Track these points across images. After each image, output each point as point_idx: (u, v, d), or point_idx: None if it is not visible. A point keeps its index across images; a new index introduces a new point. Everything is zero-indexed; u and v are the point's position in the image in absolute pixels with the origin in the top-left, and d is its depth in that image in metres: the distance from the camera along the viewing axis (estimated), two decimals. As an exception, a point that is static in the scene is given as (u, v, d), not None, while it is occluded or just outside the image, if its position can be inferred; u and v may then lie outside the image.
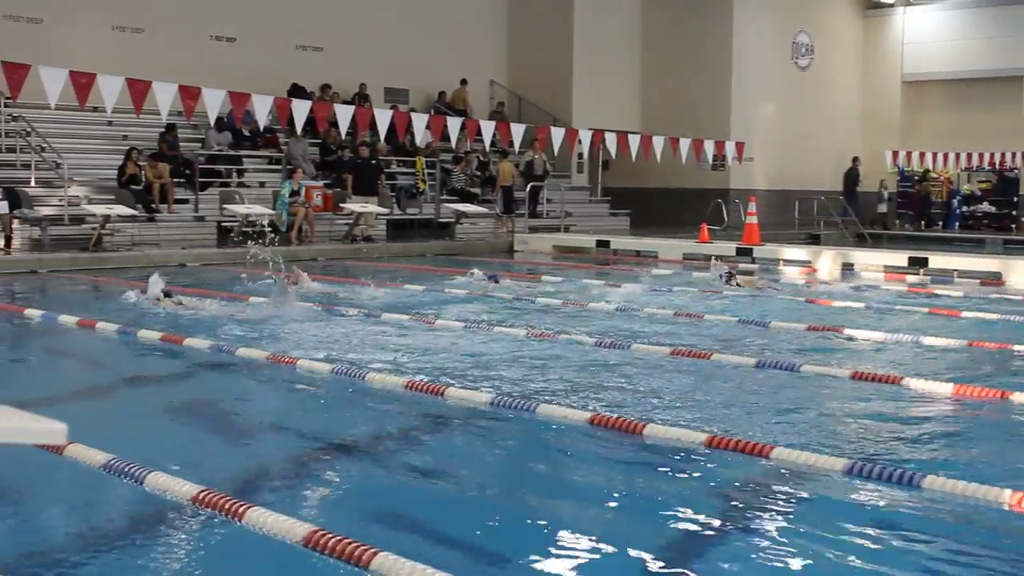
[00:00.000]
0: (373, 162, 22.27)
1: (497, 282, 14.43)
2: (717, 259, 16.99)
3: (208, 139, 21.83)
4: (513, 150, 23.35)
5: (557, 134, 21.84)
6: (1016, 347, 9.28)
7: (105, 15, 22.45)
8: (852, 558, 4.30)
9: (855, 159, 30.66)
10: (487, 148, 24.48)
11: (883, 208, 31.18)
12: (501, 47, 29.95)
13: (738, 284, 14.44)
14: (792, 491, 5.18)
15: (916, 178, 31.71)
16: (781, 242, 21.42)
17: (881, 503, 4.99)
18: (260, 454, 5.97)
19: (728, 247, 20.23)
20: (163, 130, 20.76)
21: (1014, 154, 29.91)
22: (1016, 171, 30.33)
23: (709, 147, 23.91)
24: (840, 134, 32.35)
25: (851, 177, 30.15)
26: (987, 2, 31.39)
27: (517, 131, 20.95)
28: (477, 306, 12.28)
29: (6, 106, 19.64)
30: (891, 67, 33.03)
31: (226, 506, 4.46)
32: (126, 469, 5.00)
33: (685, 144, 22.88)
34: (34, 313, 10.96)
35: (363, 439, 6.25)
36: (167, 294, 11.65)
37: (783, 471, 5.41)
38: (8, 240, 16.96)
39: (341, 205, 21.25)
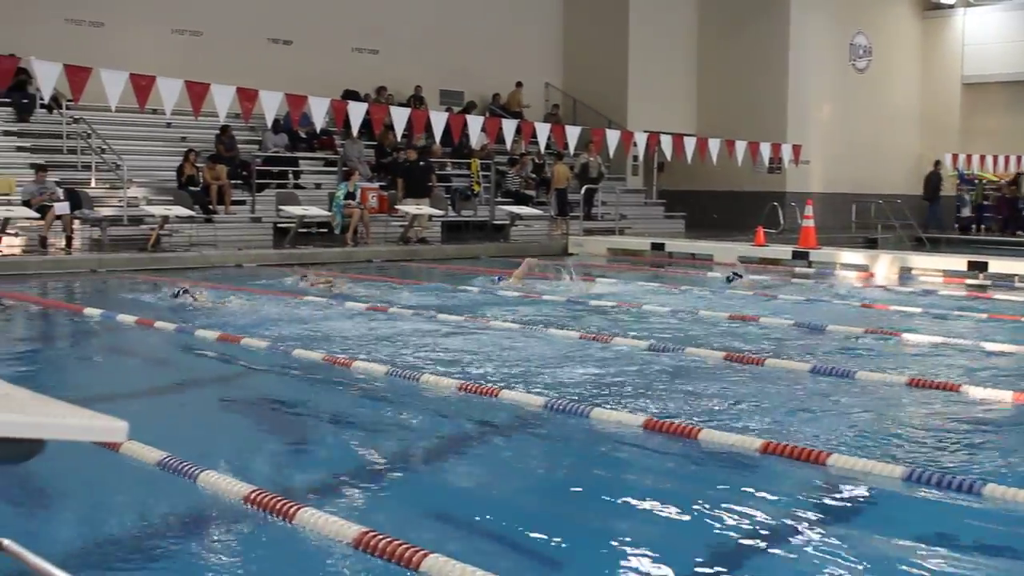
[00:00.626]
0: (421, 164, 22.31)
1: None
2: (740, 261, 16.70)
3: (265, 141, 22.02)
4: (568, 152, 23.33)
5: (612, 136, 21.79)
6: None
7: (165, 18, 22.73)
8: (909, 567, 4.24)
9: (936, 163, 30.26)
10: (542, 150, 24.47)
11: (967, 212, 30.53)
12: (556, 49, 29.94)
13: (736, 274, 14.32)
14: (849, 498, 5.13)
15: (1005, 182, 31.00)
16: (838, 246, 21.23)
17: (939, 511, 4.92)
18: (312, 455, 6.00)
19: (784, 250, 20.08)
20: (219, 132, 20.96)
21: (1077, 157, 29.42)
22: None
23: (765, 149, 23.74)
24: (898, 137, 31.98)
25: (933, 181, 29.73)
26: (1050, 3, 30.95)
27: (572, 133, 20.93)
28: (529, 308, 12.27)
29: (68, 108, 19.92)
30: (950, 69, 32.60)
31: (277, 506, 4.49)
32: (180, 467, 5.05)
33: (741, 146, 22.74)
34: (93, 312, 11.10)
35: (415, 440, 6.26)
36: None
37: (840, 478, 5.35)
38: (69, 240, 17.20)
39: (396, 207, 21.34)
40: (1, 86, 19.06)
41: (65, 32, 21.13)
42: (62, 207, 17.00)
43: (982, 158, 30.08)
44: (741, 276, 14.45)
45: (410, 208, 21.07)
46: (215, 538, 4.46)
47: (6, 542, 2.15)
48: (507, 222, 22.80)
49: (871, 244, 25.02)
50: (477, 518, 4.84)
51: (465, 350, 9.11)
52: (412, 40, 26.25)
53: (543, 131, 20.86)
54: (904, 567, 4.24)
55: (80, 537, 4.50)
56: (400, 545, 3.95)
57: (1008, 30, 31.61)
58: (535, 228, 23.86)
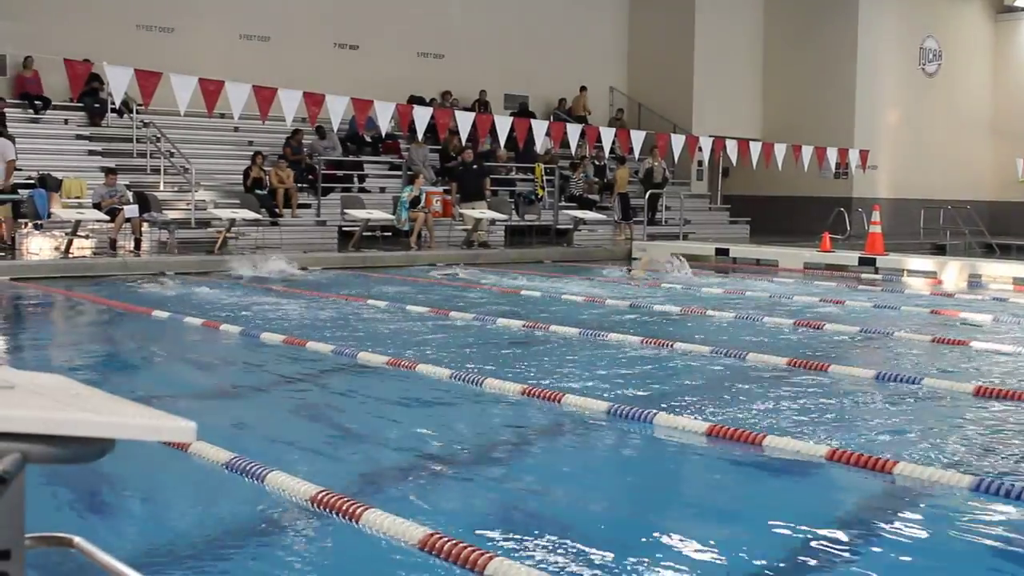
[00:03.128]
0: (475, 167, 22.36)
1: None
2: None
3: (314, 146, 22.09)
4: (632, 157, 23.27)
5: (677, 141, 21.71)
6: None
7: (233, 24, 23.01)
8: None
9: None
10: (606, 155, 24.42)
11: None
12: (621, 53, 29.89)
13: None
14: (916, 508, 5.07)
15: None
16: (905, 252, 20.97)
17: (1008, 522, 4.85)
18: (378, 457, 6.03)
19: (851, 256, 19.87)
20: (289, 135, 21.17)
21: None
22: None
23: (832, 154, 23.51)
24: (968, 142, 31.51)
25: None
26: None
27: (636, 138, 20.89)
28: (590, 312, 12.27)
29: (138, 113, 20.23)
30: (1023, 73, 32.06)
31: (344, 507, 4.52)
32: (248, 468, 5.11)
33: (808, 151, 22.55)
34: (161, 314, 11.25)
35: (480, 443, 6.28)
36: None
37: (907, 487, 5.29)
38: (138, 243, 17.46)
39: (462, 212, 21.40)
40: (74, 91, 19.45)
41: (136, 38, 21.47)
42: (131, 210, 17.26)
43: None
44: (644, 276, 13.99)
45: (471, 212, 21.12)
46: (281, 539, 4.51)
47: (77, 539, 2.18)
48: (570, 226, 22.78)
49: (939, 250, 24.68)
50: (541, 522, 4.84)
51: (527, 354, 9.10)
52: (477, 45, 26.35)
53: (607, 135, 20.82)
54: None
55: (148, 537, 4.57)
56: (465, 548, 3.97)
57: (1082, 33, 31.05)
58: (599, 233, 23.82)
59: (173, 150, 20.04)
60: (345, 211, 20.13)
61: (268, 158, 20.76)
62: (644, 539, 4.58)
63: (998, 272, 18.02)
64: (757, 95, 30.16)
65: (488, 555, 3.90)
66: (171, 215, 18.27)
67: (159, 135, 20.19)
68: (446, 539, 4.06)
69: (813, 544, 4.50)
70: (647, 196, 23.75)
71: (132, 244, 17.46)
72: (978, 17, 32.16)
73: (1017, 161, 29.80)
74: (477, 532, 4.51)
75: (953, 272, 18.02)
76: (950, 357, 9.49)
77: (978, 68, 32.13)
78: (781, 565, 4.25)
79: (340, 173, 22.09)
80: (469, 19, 26.30)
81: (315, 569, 4.23)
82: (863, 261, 19.52)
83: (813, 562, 4.29)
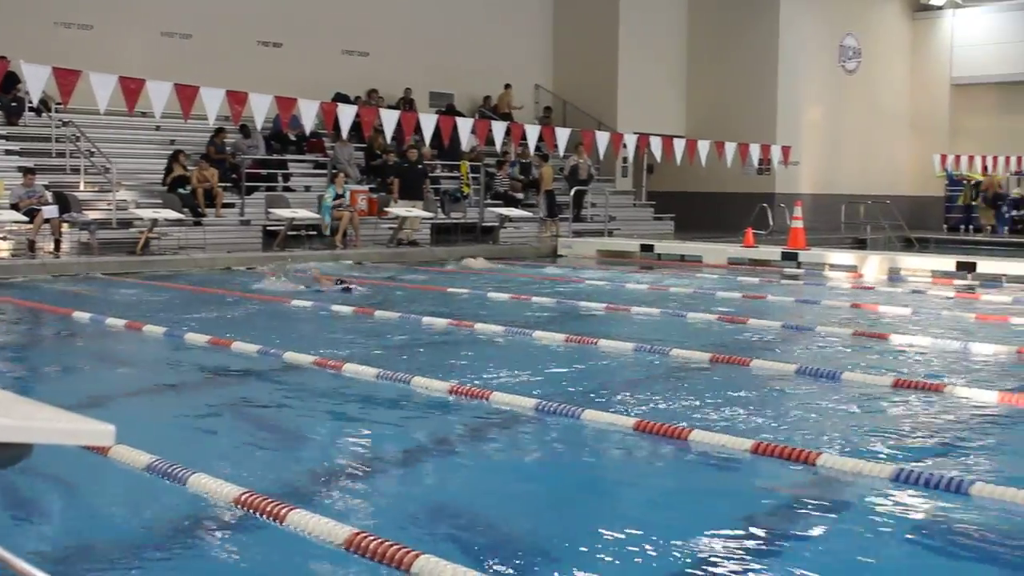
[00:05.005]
0: (419, 166, 22.35)
1: (349, 291, 13.52)
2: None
3: (237, 145, 21.87)
4: (557, 154, 23.34)
5: (602, 138, 21.81)
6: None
7: (154, 22, 22.69)
8: (898, 566, 4.27)
9: None
10: (531, 152, 24.47)
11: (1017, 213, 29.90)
12: (546, 51, 29.96)
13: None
14: (838, 498, 5.15)
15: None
16: (827, 246, 21.27)
17: (928, 510, 4.95)
18: (303, 457, 6.00)
19: (774, 251, 20.12)
20: (212, 134, 20.95)
21: (1065, 158, 29.51)
22: (1067, 175, 29.91)
23: (755, 151, 23.77)
24: (888, 138, 32.05)
25: None
26: (1038, 4, 31.03)
27: (562, 135, 20.95)
28: (520, 311, 12.30)
29: (57, 111, 19.89)
30: (940, 70, 32.67)
31: (268, 508, 4.49)
32: (169, 470, 5.05)
33: (731, 148, 22.76)
34: (82, 316, 11.08)
35: (406, 442, 6.27)
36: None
37: (830, 478, 5.37)
38: (57, 244, 17.17)
39: (386, 209, 21.34)
40: (-10, 89, 19.08)
41: (54, 35, 21.10)
42: (50, 210, 16.96)
43: (970, 158, 30.15)
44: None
45: (401, 210, 21.06)
46: (205, 542, 4.46)
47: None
48: (497, 224, 22.80)
49: (860, 245, 25.08)
50: (468, 519, 4.85)
51: (458, 352, 9.09)
52: (402, 42, 26.25)
53: (533, 133, 20.87)
54: (892, 565, 4.26)
55: (67, 542, 4.50)
56: (391, 546, 3.96)
57: (996, 31, 31.69)
58: (524, 230, 23.87)
59: (93, 149, 19.72)
60: (270, 210, 19.96)
61: (191, 157, 20.53)
62: (572, 535, 4.60)
63: (917, 265, 18.36)
64: (681, 93, 30.41)
65: (414, 553, 3.89)
66: (91, 215, 17.96)
67: (79, 134, 19.86)
68: (371, 538, 4.05)
69: (740, 536, 4.56)
70: (572, 193, 23.83)
71: (52, 245, 17.16)
72: (896, 15, 32.71)
73: (934, 157, 30.41)
74: (403, 530, 4.51)
75: (873, 266, 18.32)
76: (870, 350, 9.65)
77: (896, 65, 32.68)
78: (709, 558, 4.29)
79: (264, 172, 21.91)
80: (394, 17, 26.19)
81: (239, 572, 4.20)
82: (786, 256, 19.77)
83: (740, 554, 4.33)
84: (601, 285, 15.38)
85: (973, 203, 30.91)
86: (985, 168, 30.16)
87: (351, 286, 13.69)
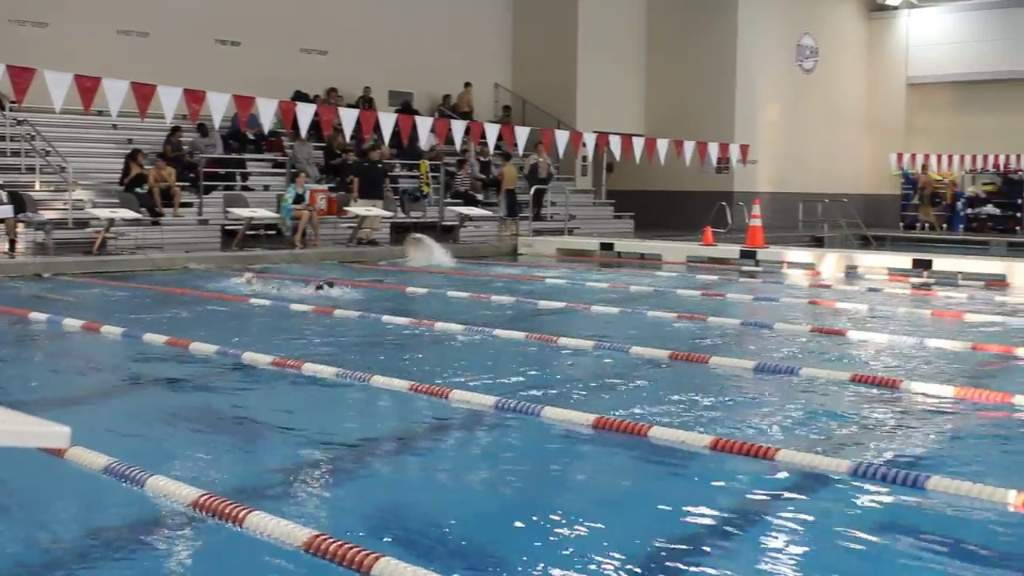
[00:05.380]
0: (379, 165, 22.29)
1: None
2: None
3: (195, 144, 21.72)
4: (517, 153, 23.36)
5: (561, 137, 21.83)
6: (1019, 350, 9.27)
7: (110, 19, 22.50)
8: (857, 559, 4.31)
9: None
10: (491, 151, 24.47)
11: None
12: (505, 50, 29.97)
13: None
14: (797, 493, 5.19)
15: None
16: (785, 244, 21.42)
17: (886, 504, 4.99)
18: (263, 458, 5.96)
19: (732, 250, 20.23)
20: (169, 133, 20.79)
21: (1019, 156, 29.86)
22: (1021, 173, 30.25)
23: (713, 150, 23.89)
24: (845, 137, 32.32)
25: None
26: (992, 4, 31.35)
27: (521, 134, 20.95)
28: (477, 310, 12.29)
29: (11, 110, 19.68)
30: (896, 69, 32.98)
31: (226, 510, 4.46)
32: (127, 473, 5.01)
33: (689, 147, 22.86)
34: (39, 316, 10.97)
35: (366, 442, 6.25)
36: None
37: (788, 473, 5.41)
38: (12, 244, 16.98)
39: (345, 208, 21.26)
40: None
41: (8, 32, 20.86)
42: (5, 210, 16.77)
43: (926, 157, 30.46)
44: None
45: (360, 209, 21.00)
46: (163, 545, 4.42)
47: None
48: (456, 223, 22.79)
49: (817, 243, 25.27)
50: (428, 519, 4.84)
51: (412, 349, 9.08)
52: (361, 41, 26.17)
53: (492, 132, 20.86)
54: (851, 559, 4.30)
55: (20, 545, 4.44)
56: (351, 548, 3.95)
57: (952, 31, 32.03)
58: (484, 229, 23.86)
59: (49, 148, 19.52)
60: (228, 210, 19.85)
61: (148, 156, 20.36)
62: (532, 532, 4.60)
63: (873, 263, 18.53)
64: (640, 92, 30.51)
65: (374, 555, 3.88)
66: (47, 215, 17.77)
67: (34, 133, 19.65)
68: (331, 540, 4.03)
69: (699, 532, 4.58)
70: (532, 192, 23.86)
71: (7, 246, 16.96)
72: (852, 15, 32.98)
73: (890, 155, 30.71)
74: (364, 532, 4.50)
75: (831, 264, 18.47)
76: (827, 346, 9.73)
77: (853, 65, 32.96)
78: (668, 553, 4.31)
79: (223, 171, 21.76)
80: (352, 16, 26.10)
81: (199, 575, 4.17)
82: (744, 254, 19.89)
83: (700, 549, 4.35)
84: (561, 283, 15.40)
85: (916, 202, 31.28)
86: (925, 167, 30.47)
87: (332, 283, 13.75)
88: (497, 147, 22.79)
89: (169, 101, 16.29)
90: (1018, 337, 10.22)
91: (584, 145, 22.74)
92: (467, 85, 27.99)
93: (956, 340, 9.76)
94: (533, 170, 24.88)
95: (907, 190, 31.97)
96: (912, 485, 5.08)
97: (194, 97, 16.75)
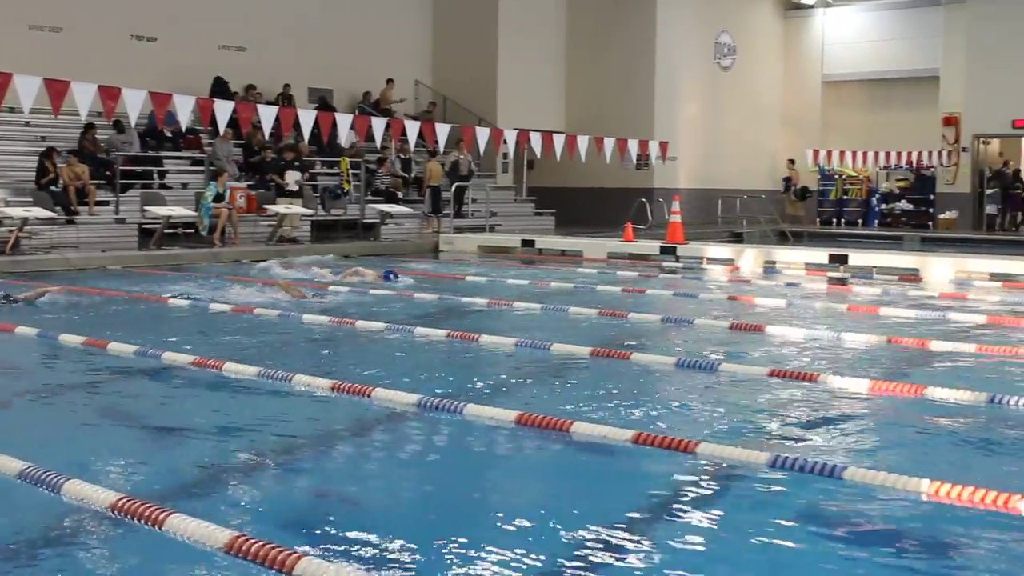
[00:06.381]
0: (296, 164, 22.17)
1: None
2: None
3: (110, 141, 21.38)
4: (438, 150, 23.31)
5: (482, 134, 21.82)
6: (932, 343, 9.46)
7: (22, 14, 22.02)
8: (775, 549, 4.37)
9: (1006, 162, 30.30)
10: (412, 148, 24.40)
11: (991, 209, 30.07)
12: (425, 47, 29.88)
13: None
14: (717, 485, 5.26)
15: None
16: (704, 240, 21.63)
17: (804, 494, 5.09)
18: (183, 460, 5.90)
19: (652, 246, 20.39)
20: (84, 130, 20.43)
21: (930, 153, 30.48)
22: (932, 169, 30.89)
23: (633, 147, 24.03)
24: (762, 133, 32.72)
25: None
26: (904, 4, 31.94)
27: (442, 131, 20.90)
28: (398, 307, 12.27)
29: (-81, 107, 19.22)
30: (811, 67, 33.47)
31: (146, 513, 4.41)
32: (42, 478, 4.92)
33: (609, 144, 22.98)
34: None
35: (288, 442, 6.21)
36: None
37: (709, 466, 5.48)
38: (-78, 244, 16.61)
39: (266, 206, 21.06)
40: None
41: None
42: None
43: (841, 153, 30.96)
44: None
45: (280, 207, 20.83)
46: (81, 550, 4.36)
47: None
48: (377, 221, 22.70)
49: (736, 238, 25.56)
50: (351, 518, 4.83)
51: (339, 350, 9.03)
52: (280, 37, 25.92)
53: (412, 129, 20.80)
54: (772, 548, 4.36)
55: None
56: (273, 548, 3.92)
57: (865, 30, 32.58)
58: (406, 226, 23.79)
59: (-42, 146, 19.12)
60: (145, 208, 19.55)
61: (62, 154, 19.99)
62: (456, 529, 4.61)
63: (791, 258, 18.80)
64: (560, 89, 30.61)
65: (296, 555, 3.86)
66: (-43, 215, 17.42)
67: (-58, 130, 19.24)
68: (253, 541, 4.01)
69: (621, 525, 4.62)
70: (453, 189, 23.84)
71: (-84, 246, 16.59)
72: (769, 13, 33.39)
73: (807, 152, 31.15)
74: (286, 532, 4.47)
75: (749, 259, 18.71)
76: (746, 342, 9.85)
77: (770, 63, 33.39)
78: (591, 546, 4.33)
79: (139, 169, 21.44)
80: (271, 11, 25.84)
81: (118, 578, 4.12)
82: (664, 250, 20.06)
83: (623, 543, 4.39)
84: (482, 281, 15.42)
85: (844, 197, 31.83)
86: (791, 161, 30.88)
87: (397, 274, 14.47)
88: (418, 144, 22.74)
89: (83, 98, 16.00)
90: (931, 330, 10.43)
91: (505, 142, 22.75)
92: (389, 82, 27.87)
93: (871, 334, 9.94)
94: (454, 167, 24.86)
95: (825, 186, 32.45)
96: (829, 475, 5.18)
97: (109, 94, 16.47)
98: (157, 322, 11.21)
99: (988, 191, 29.94)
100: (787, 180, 31.15)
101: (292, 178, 21.59)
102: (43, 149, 19.58)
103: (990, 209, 29.74)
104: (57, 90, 15.70)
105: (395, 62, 28.44)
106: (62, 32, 22.46)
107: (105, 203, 19.95)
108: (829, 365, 8.54)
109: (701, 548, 4.37)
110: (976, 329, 10.69)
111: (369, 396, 6.99)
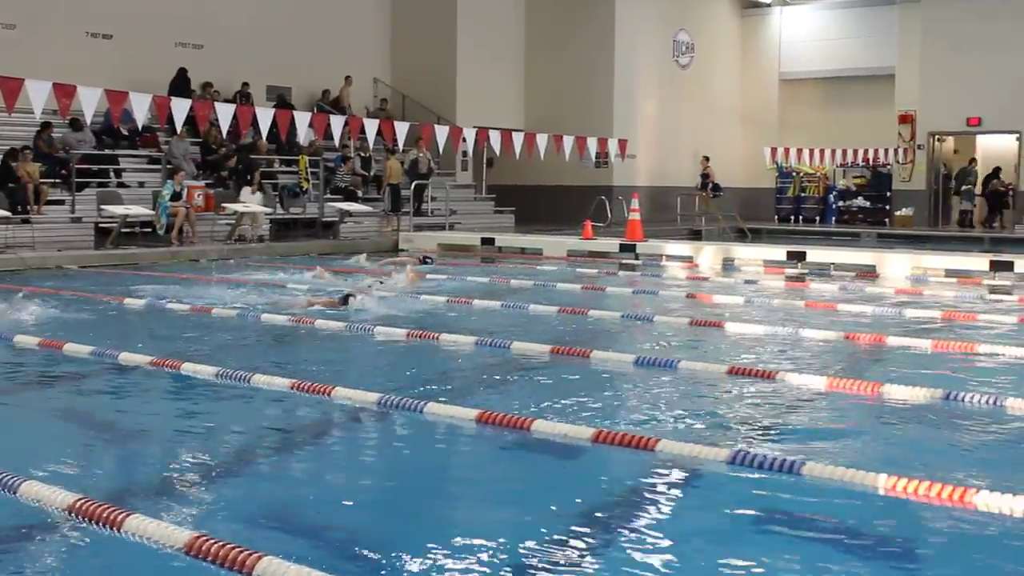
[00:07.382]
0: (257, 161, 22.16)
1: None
2: None
3: (66, 139, 21.15)
4: (397, 148, 23.26)
5: (441, 132, 21.79)
6: (889, 339, 9.55)
7: (-26, 11, 21.80)
8: (736, 544, 4.40)
9: (972, 160, 30.50)
10: (371, 146, 24.31)
11: (967, 206, 30.18)
12: (384, 44, 29.80)
13: None
14: (678, 482, 5.28)
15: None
16: (663, 238, 21.72)
17: (763, 490, 5.12)
18: (141, 460, 5.87)
19: (612, 243, 20.45)
20: (39, 128, 20.20)
21: (886, 150, 30.77)
22: (888, 167, 31.18)
23: (592, 144, 24.08)
24: (721, 131, 32.84)
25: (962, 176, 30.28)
26: (859, 3, 32.19)
27: (401, 129, 20.85)
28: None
29: None
30: (769, 65, 33.67)
31: (104, 515, 4.37)
32: None
33: (569, 141, 23.02)
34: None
35: (247, 441, 6.18)
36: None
37: (669, 463, 5.50)
38: None
39: (224, 205, 20.93)
40: None
41: None
42: None
43: (799, 151, 31.17)
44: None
45: (238, 206, 20.72)
46: (38, 553, 4.32)
47: None
48: (337, 219, 22.62)
49: (695, 236, 25.67)
50: (311, 518, 4.81)
51: (301, 348, 8.99)
52: (238, 35, 25.75)
53: (371, 127, 20.75)
54: (730, 544, 4.39)
55: None
56: (233, 549, 3.91)
57: (821, 29, 32.81)
58: (365, 225, 23.72)
59: (-90, 145, 18.86)
60: (102, 207, 19.38)
61: (21, 153, 19.75)
62: (418, 528, 4.61)
63: (750, 255, 18.91)
64: (519, 87, 30.61)
65: (257, 555, 3.85)
66: (-90, 214, 17.19)
67: None
68: (213, 541, 3.99)
69: (582, 523, 4.64)
70: (412, 187, 23.79)
71: None
72: (726, 11, 33.56)
73: (764, 150, 31.36)
74: (246, 532, 4.45)
75: (708, 256, 18.80)
76: (705, 339, 9.90)
77: (728, 61, 33.55)
78: (551, 545, 4.34)
79: (95, 168, 21.24)
80: (229, 9, 25.67)
81: (76, 580, 4.09)
82: (624, 247, 20.12)
83: (583, 540, 4.40)
84: (441, 279, 15.39)
85: (802, 194, 32.05)
86: (706, 158, 30.98)
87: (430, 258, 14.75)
88: (376, 142, 22.69)
89: (38, 96, 15.84)
90: (888, 326, 10.53)
91: (464, 140, 22.73)
92: (347, 79, 27.77)
93: (829, 330, 10.01)
94: (413, 165, 24.81)
95: (783, 184, 32.64)
96: (788, 471, 5.22)
97: (64, 92, 16.31)
98: (115, 322, 11.11)
99: (963, 187, 30.15)
100: (704, 177, 31.27)
101: (246, 195, 21.42)
102: (7, 149, 19.31)
103: (965, 206, 29.95)
104: (10, 88, 15.53)
105: (354, 59, 28.34)
106: (16, 29, 22.21)
107: (60, 202, 19.75)
108: (788, 362, 8.60)
109: (662, 545, 4.39)
110: (932, 325, 10.81)
111: (329, 395, 6.97)
